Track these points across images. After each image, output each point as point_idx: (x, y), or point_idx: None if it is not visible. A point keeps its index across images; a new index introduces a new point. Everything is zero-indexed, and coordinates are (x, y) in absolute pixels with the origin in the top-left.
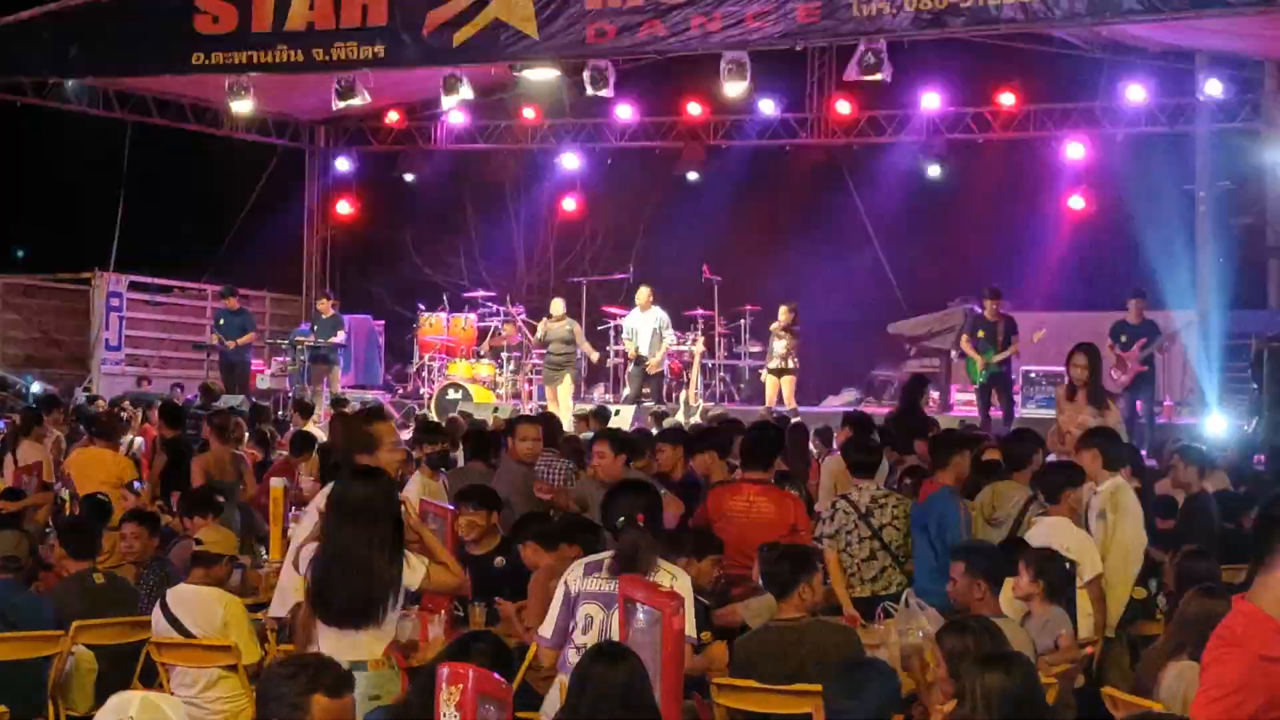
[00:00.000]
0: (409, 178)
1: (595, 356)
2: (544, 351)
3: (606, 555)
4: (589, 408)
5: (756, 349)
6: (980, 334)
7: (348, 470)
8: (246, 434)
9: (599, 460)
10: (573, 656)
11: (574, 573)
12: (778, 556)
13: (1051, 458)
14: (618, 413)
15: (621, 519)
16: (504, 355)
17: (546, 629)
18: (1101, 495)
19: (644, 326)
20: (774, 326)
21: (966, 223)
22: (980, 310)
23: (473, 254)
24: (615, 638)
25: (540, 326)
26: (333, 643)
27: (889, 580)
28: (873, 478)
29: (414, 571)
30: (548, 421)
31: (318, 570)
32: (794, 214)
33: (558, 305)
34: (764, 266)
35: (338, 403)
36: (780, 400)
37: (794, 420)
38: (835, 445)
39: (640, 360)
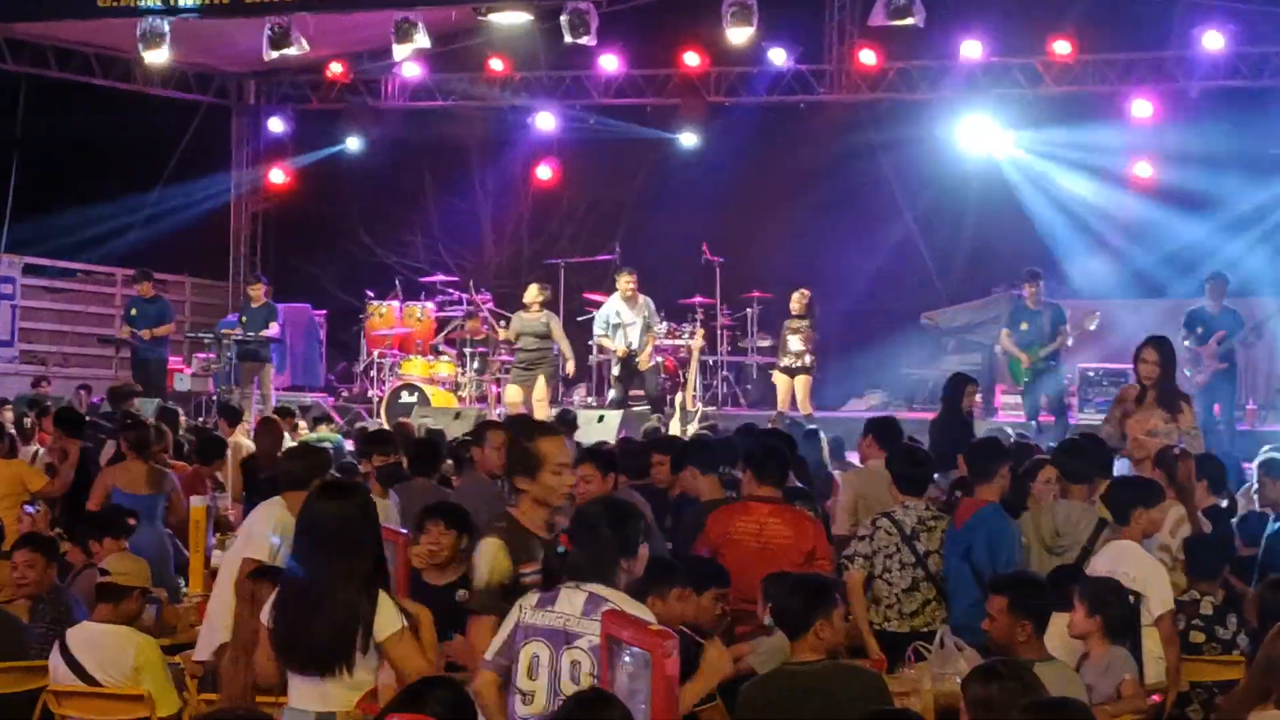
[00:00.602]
0: (355, 142)
1: (571, 366)
2: (516, 348)
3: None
4: (594, 414)
5: (766, 344)
6: (1023, 326)
7: (318, 486)
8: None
9: (584, 486)
10: (519, 706)
11: (528, 599)
12: (790, 589)
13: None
14: (601, 419)
15: (555, 539)
16: (467, 352)
17: (490, 649)
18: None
19: (631, 317)
20: (791, 319)
21: (1011, 191)
22: (1022, 297)
23: (431, 232)
24: (569, 685)
25: (513, 319)
26: (300, 692)
27: (932, 616)
28: (922, 494)
29: (384, 621)
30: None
31: (282, 608)
32: (810, 185)
33: (532, 292)
34: (774, 247)
35: (283, 412)
36: (794, 404)
37: (809, 428)
38: (862, 456)
39: (630, 357)
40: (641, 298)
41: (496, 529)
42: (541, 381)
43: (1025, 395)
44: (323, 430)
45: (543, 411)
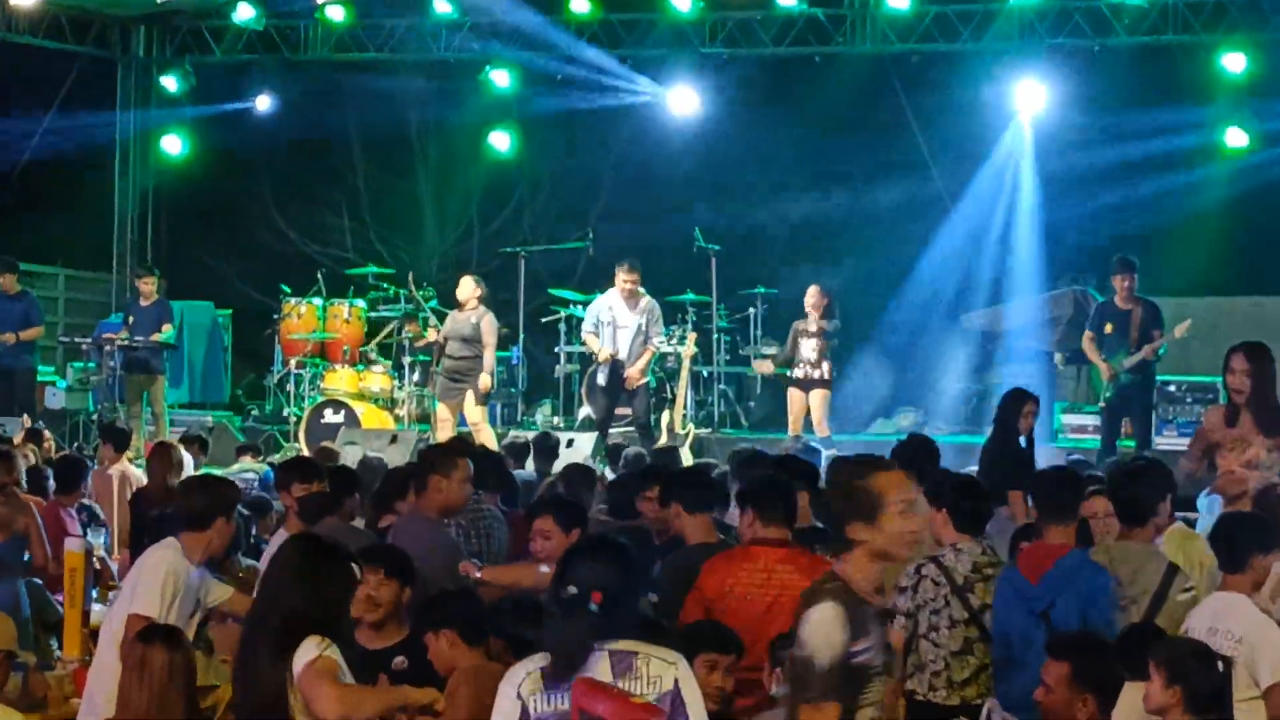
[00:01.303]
0: (267, 103)
1: (486, 380)
2: (444, 355)
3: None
4: (523, 437)
5: (772, 351)
6: (1108, 328)
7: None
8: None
9: (542, 543)
10: None
11: (526, 683)
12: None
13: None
14: (570, 444)
15: (569, 594)
16: (406, 361)
17: None
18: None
19: (627, 320)
20: (804, 321)
21: (1076, 167)
22: (1112, 293)
23: (360, 214)
24: None
25: (446, 320)
26: None
27: (986, 686)
28: (980, 533)
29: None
30: (470, 453)
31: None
32: (826, 157)
33: (465, 287)
34: (783, 232)
35: (189, 442)
36: (809, 425)
37: (828, 453)
38: None
39: (616, 367)
40: (645, 300)
41: (829, 592)
42: (472, 397)
43: (1104, 415)
44: (247, 460)
45: (486, 435)
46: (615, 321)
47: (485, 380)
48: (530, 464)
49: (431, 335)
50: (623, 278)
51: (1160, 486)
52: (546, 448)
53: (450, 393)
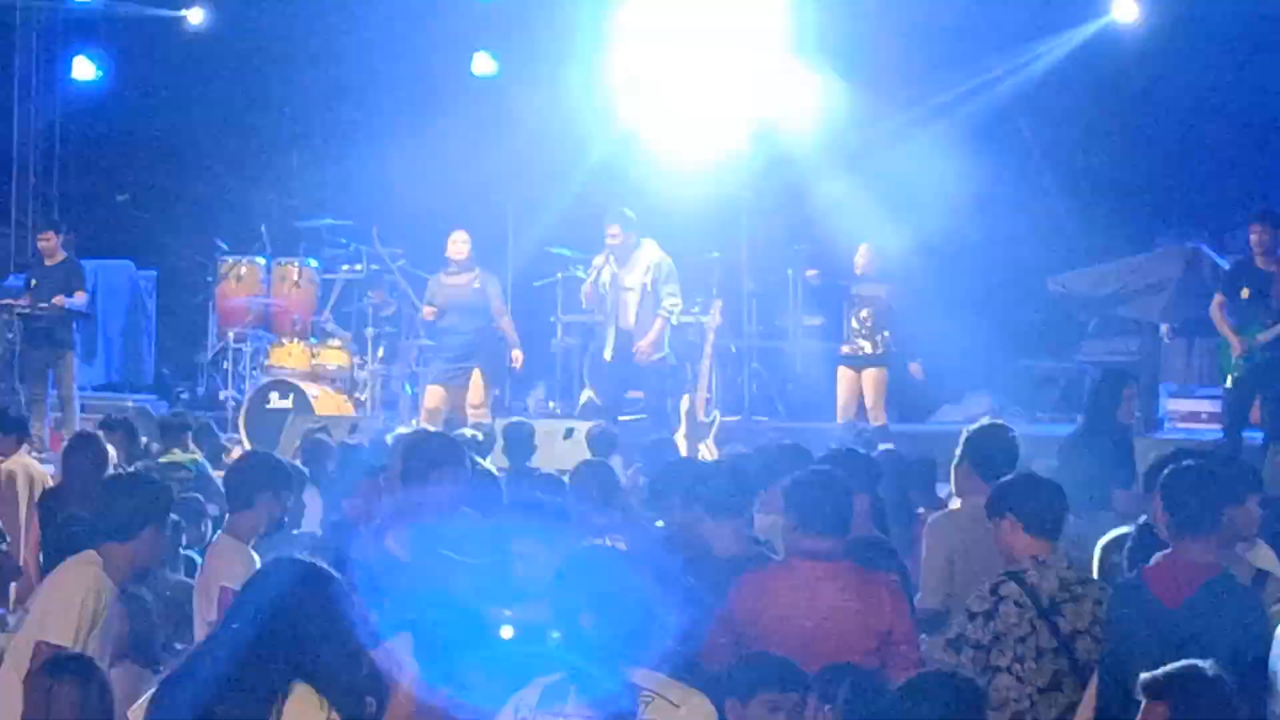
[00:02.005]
0: (200, 15)
1: (518, 355)
2: (439, 328)
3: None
4: (558, 426)
5: (817, 321)
6: (1244, 292)
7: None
8: None
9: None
10: None
11: (524, 700)
12: (858, 691)
13: None
14: (569, 434)
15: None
16: (369, 333)
17: None
18: None
19: (627, 277)
20: (856, 284)
21: (1185, 99)
22: (1245, 251)
23: (313, 152)
24: None
25: (431, 285)
26: None
27: None
28: (1057, 540)
29: None
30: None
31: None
32: (878, 74)
33: (459, 243)
34: (826, 172)
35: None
36: (861, 411)
37: (883, 447)
38: (950, 489)
39: (624, 335)
40: (651, 253)
41: None
42: (479, 379)
43: (1229, 397)
44: (176, 454)
45: (484, 419)
46: (617, 282)
47: (518, 353)
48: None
49: (427, 313)
50: (619, 222)
51: (1242, 478)
52: (519, 439)
53: (449, 374)
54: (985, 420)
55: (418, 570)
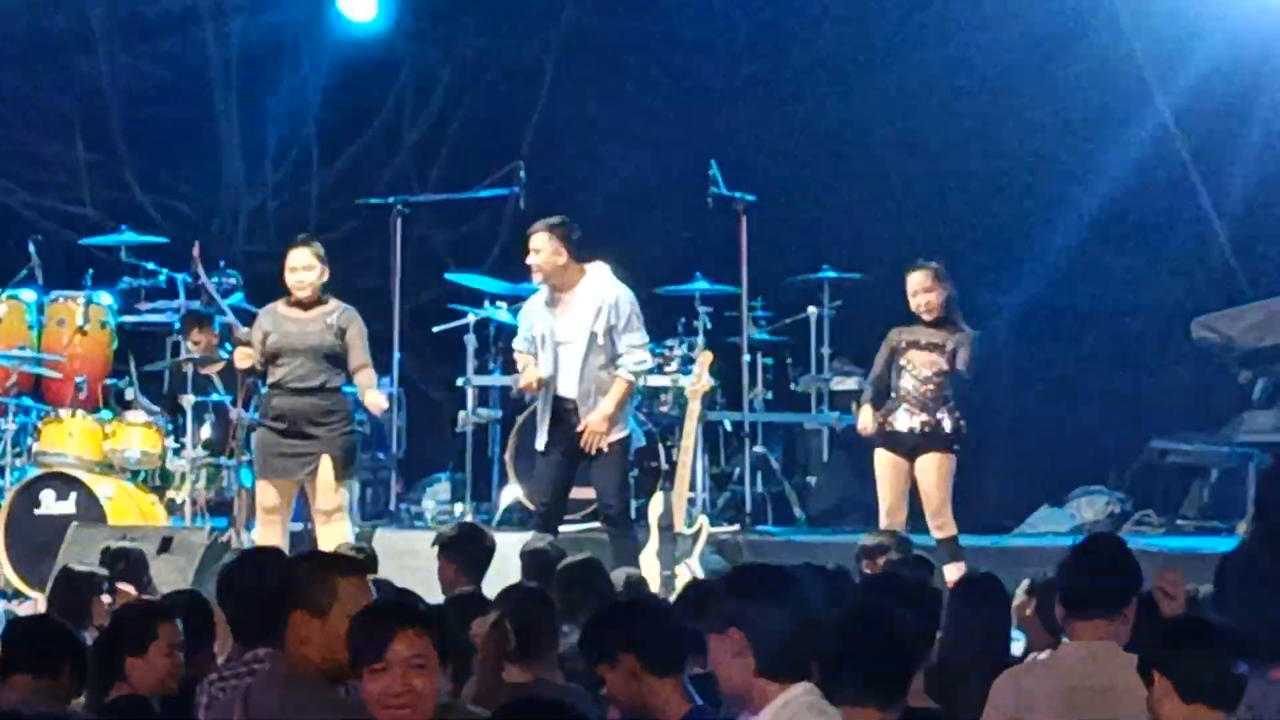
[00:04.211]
0: None
1: (382, 402)
2: (269, 385)
3: None
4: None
5: (849, 385)
6: None
7: None
8: None
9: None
10: None
11: None
12: None
13: None
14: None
15: None
16: (189, 402)
17: None
18: None
19: (569, 328)
20: (906, 328)
21: None
22: None
23: (108, 138)
24: None
25: (260, 320)
26: None
27: None
28: (1230, 708)
29: None
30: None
31: None
32: (943, 46)
33: (301, 257)
34: (866, 170)
35: None
36: (916, 513)
37: (951, 567)
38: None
39: (562, 408)
40: (603, 291)
41: None
42: (327, 465)
43: None
44: None
45: (337, 533)
46: (553, 332)
47: (381, 401)
48: None
49: (242, 357)
50: (537, 243)
51: None
52: (479, 550)
53: (288, 461)
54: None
55: None
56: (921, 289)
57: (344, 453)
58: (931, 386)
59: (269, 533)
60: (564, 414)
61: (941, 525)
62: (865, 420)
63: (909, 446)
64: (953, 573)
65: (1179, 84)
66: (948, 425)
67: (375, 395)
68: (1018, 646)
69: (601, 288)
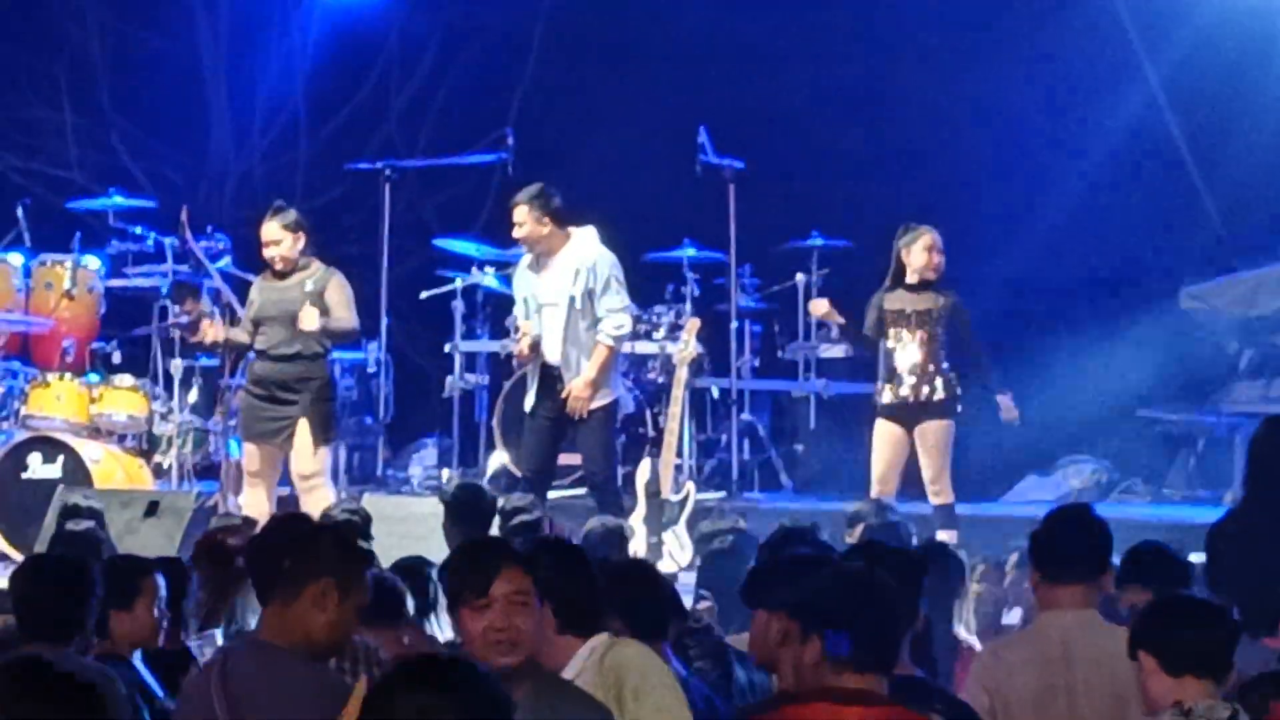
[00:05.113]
0: None
1: (309, 322)
2: (257, 351)
3: None
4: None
5: (837, 353)
6: None
7: None
8: None
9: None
10: None
11: None
12: None
13: None
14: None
15: None
16: (177, 366)
17: None
18: None
19: (546, 287)
20: (896, 292)
21: None
22: None
23: (95, 99)
24: None
25: (252, 289)
26: None
27: None
28: (1219, 679)
29: None
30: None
31: None
32: (938, 12)
33: (269, 230)
34: (859, 136)
35: None
36: (911, 484)
37: (944, 534)
38: (1010, 606)
39: (550, 374)
40: (583, 254)
41: None
42: (305, 430)
43: None
44: None
45: (319, 499)
46: (536, 296)
47: (308, 315)
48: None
49: (206, 332)
50: (520, 216)
51: None
52: (476, 513)
53: (267, 425)
54: (1088, 496)
55: None
56: (937, 248)
57: (321, 418)
58: (924, 356)
59: (254, 495)
60: (550, 379)
61: (939, 492)
62: (821, 309)
63: (908, 417)
64: (945, 539)
65: (1169, 55)
66: (943, 393)
67: (307, 313)
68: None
69: (582, 251)
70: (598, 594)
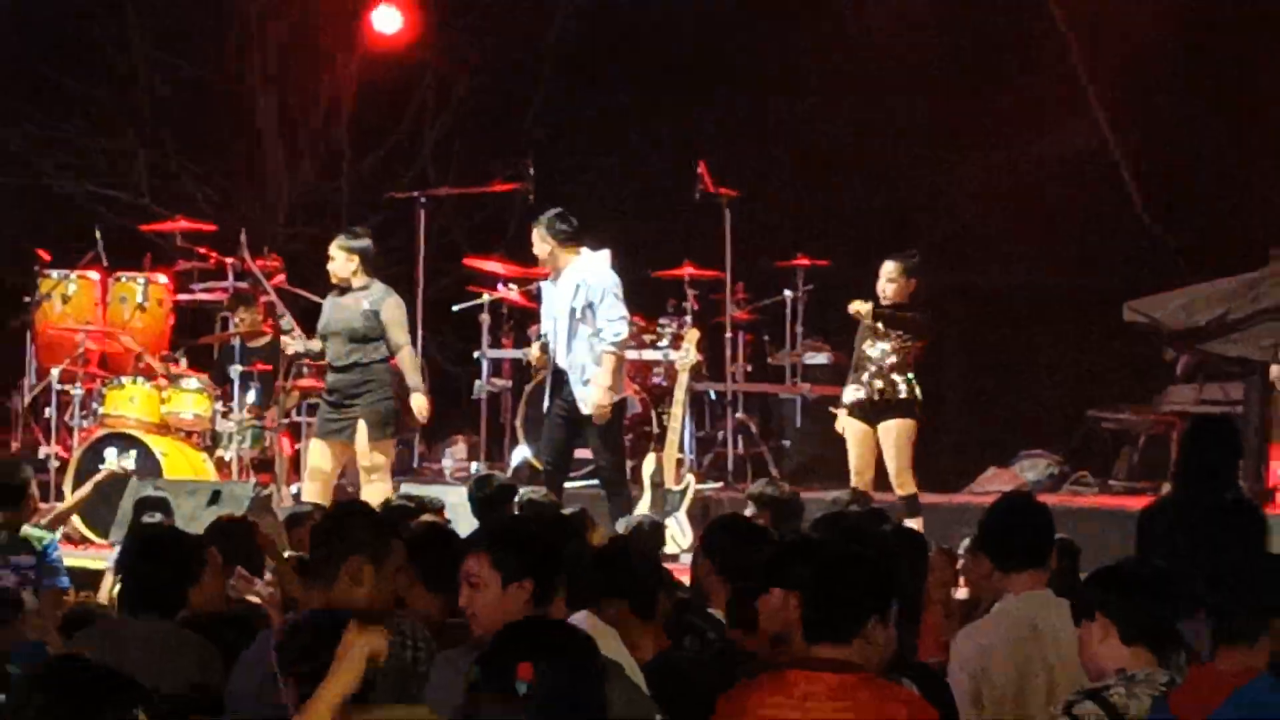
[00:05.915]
0: None
1: (423, 402)
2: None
3: None
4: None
5: (821, 359)
6: None
7: None
8: None
9: (470, 594)
10: None
11: None
12: None
13: None
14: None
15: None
16: (236, 370)
17: None
18: None
19: (558, 300)
20: (870, 309)
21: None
22: None
23: (158, 133)
24: None
25: (324, 308)
26: None
27: None
28: (1167, 650)
29: None
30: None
31: None
32: (906, 41)
33: (341, 252)
34: (840, 165)
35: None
36: (879, 475)
37: (909, 522)
38: (973, 580)
39: (560, 377)
40: (583, 271)
41: None
42: (363, 430)
43: None
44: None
45: (379, 490)
46: (550, 307)
47: (422, 400)
48: None
49: (294, 343)
50: (537, 237)
51: None
52: (490, 497)
53: (330, 425)
54: (1040, 489)
55: None
56: (886, 277)
57: (379, 418)
58: (888, 359)
59: (314, 487)
60: (560, 382)
61: (901, 484)
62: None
63: (870, 414)
64: (911, 526)
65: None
66: (903, 393)
67: (419, 401)
68: (960, 593)
69: (584, 270)
70: (564, 573)
